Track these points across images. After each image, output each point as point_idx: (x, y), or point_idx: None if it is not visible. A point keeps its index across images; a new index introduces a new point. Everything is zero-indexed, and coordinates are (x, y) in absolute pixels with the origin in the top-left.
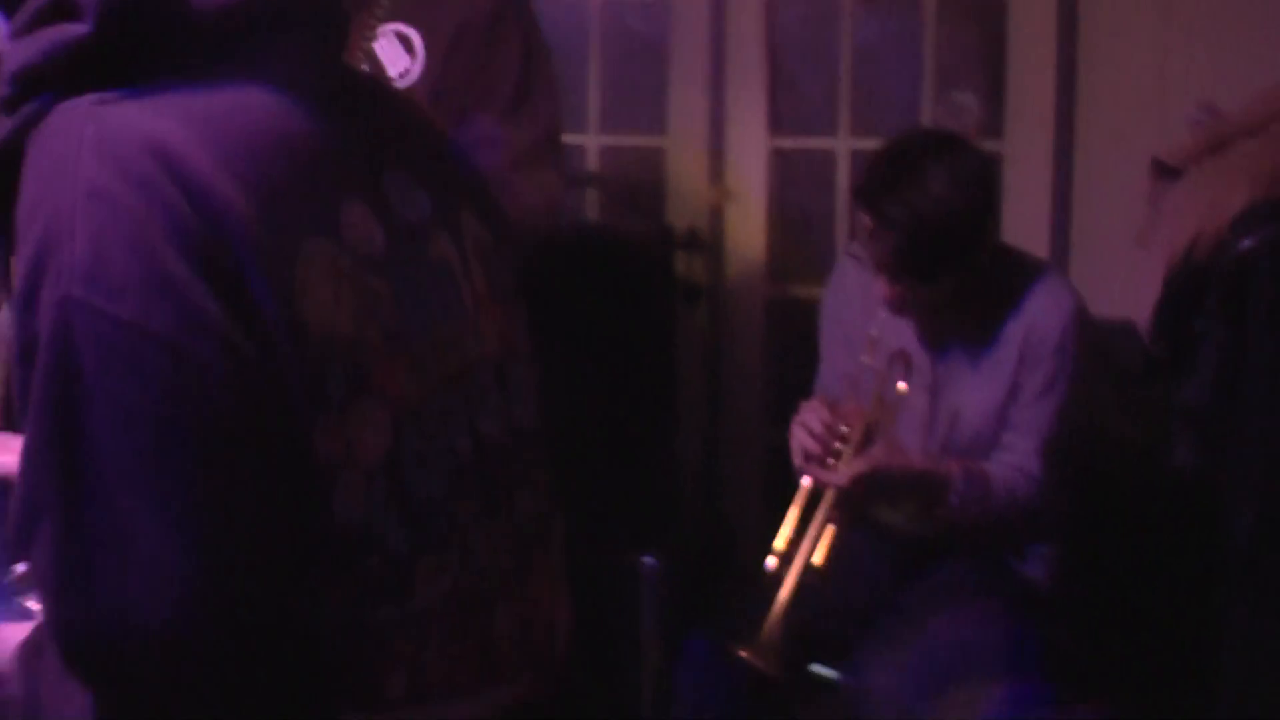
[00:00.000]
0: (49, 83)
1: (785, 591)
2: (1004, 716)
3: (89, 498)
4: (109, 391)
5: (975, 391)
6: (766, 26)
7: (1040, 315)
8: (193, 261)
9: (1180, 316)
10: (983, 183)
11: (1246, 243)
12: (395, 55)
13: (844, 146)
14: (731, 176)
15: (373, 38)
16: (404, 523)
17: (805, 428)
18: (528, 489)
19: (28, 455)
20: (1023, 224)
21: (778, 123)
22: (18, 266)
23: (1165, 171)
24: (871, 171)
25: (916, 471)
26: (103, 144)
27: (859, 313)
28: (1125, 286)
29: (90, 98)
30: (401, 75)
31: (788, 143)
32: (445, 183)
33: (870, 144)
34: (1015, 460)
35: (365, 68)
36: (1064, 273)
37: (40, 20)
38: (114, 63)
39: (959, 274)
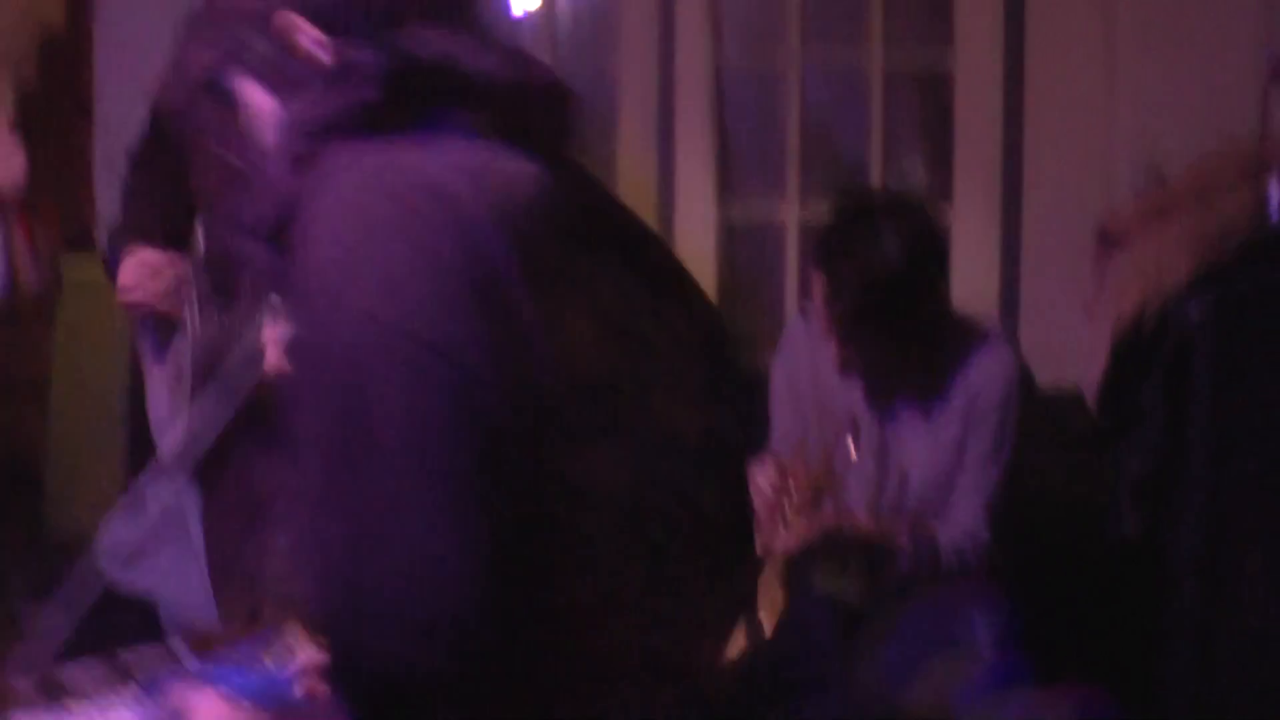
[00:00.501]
0: (329, 134)
1: (730, 660)
2: (982, 690)
3: (372, 495)
4: (403, 406)
5: (922, 453)
6: (714, 95)
7: (984, 378)
8: (470, 290)
9: (1126, 385)
10: (934, 243)
11: (1191, 312)
12: None
13: (793, 215)
14: (681, 246)
15: None
16: (628, 553)
17: (753, 490)
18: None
19: (308, 458)
20: (971, 289)
21: (727, 191)
22: (306, 293)
23: (1111, 240)
24: (826, 230)
25: (864, 535)
26: (389, 183)
27: (807, 375)
28: (1073, 353)
29: (369, 144)
30: None
31: (737, 211)
32: (655, 268)
33: (819, 211)
34: (963, 522)
35: None
36: (1008, 337)
37: (325, 82)
38: (389, 116)
39: (909, 334)
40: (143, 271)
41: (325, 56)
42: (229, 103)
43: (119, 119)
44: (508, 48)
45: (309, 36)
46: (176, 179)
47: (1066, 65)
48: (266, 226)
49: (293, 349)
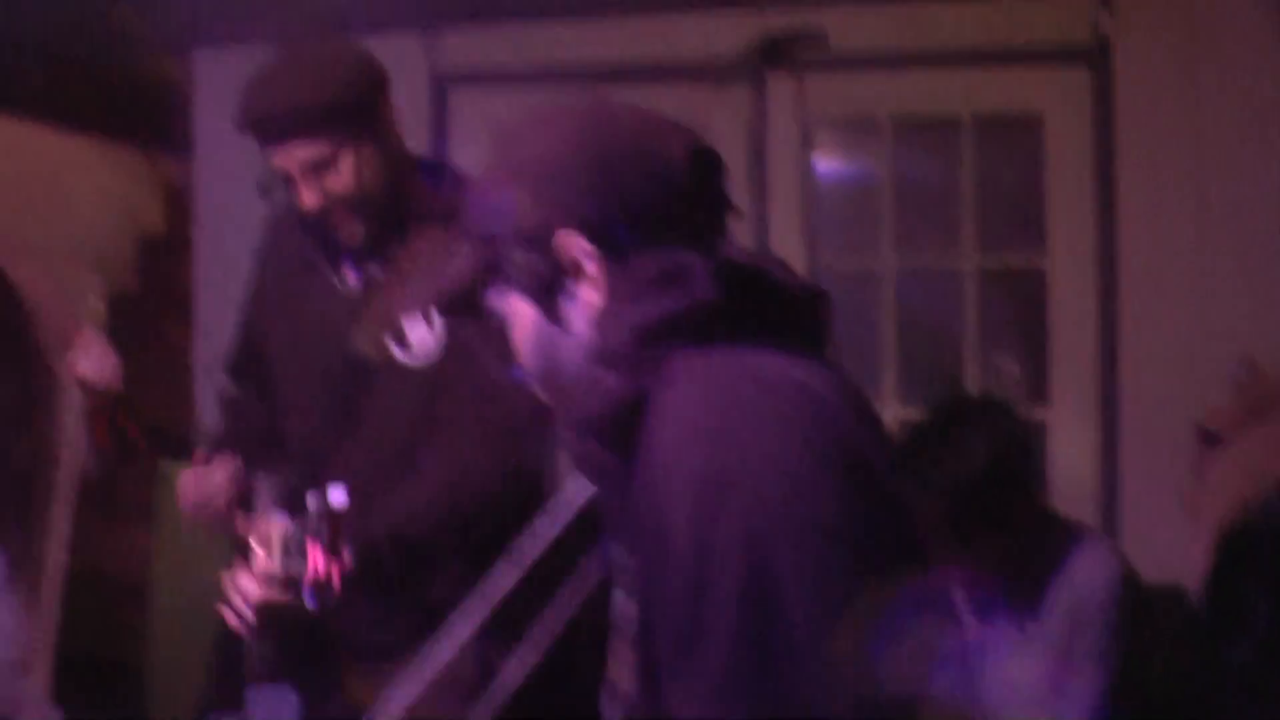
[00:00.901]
0: (671, 337)
1: None
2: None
3: (782, 679)
4: (807, 587)
5: (1022, 658)
6: None
7: (1086, 578)
8: (846, 474)
9: (1230, 580)
10: (1022, 446)
11: None
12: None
13: (891, 415)
14: None
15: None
16: None
17: None
18: None
19: (708, 653)
20: (1070, 488)
21: None
22: (675, 497)
23: (1209, 437)
24: (911, 437)
25: None
26: (757, 377)
27: None
28: (1174, 548)
29: (716, 349)
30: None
31: None
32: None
33: (913, 411)
34: None
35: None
36: (1107, 536)
37: (651, 285)
38: (730, 322)
39: (1002, 538)
40: (201, 487)
41: (593, 269)
42: (487, 313)
43: (217, 325)
44: (774, 256)
45: (582, 249)
46: (265, 390)
47: (1160, 261)
48: (601, 427)
49: (673, 549)
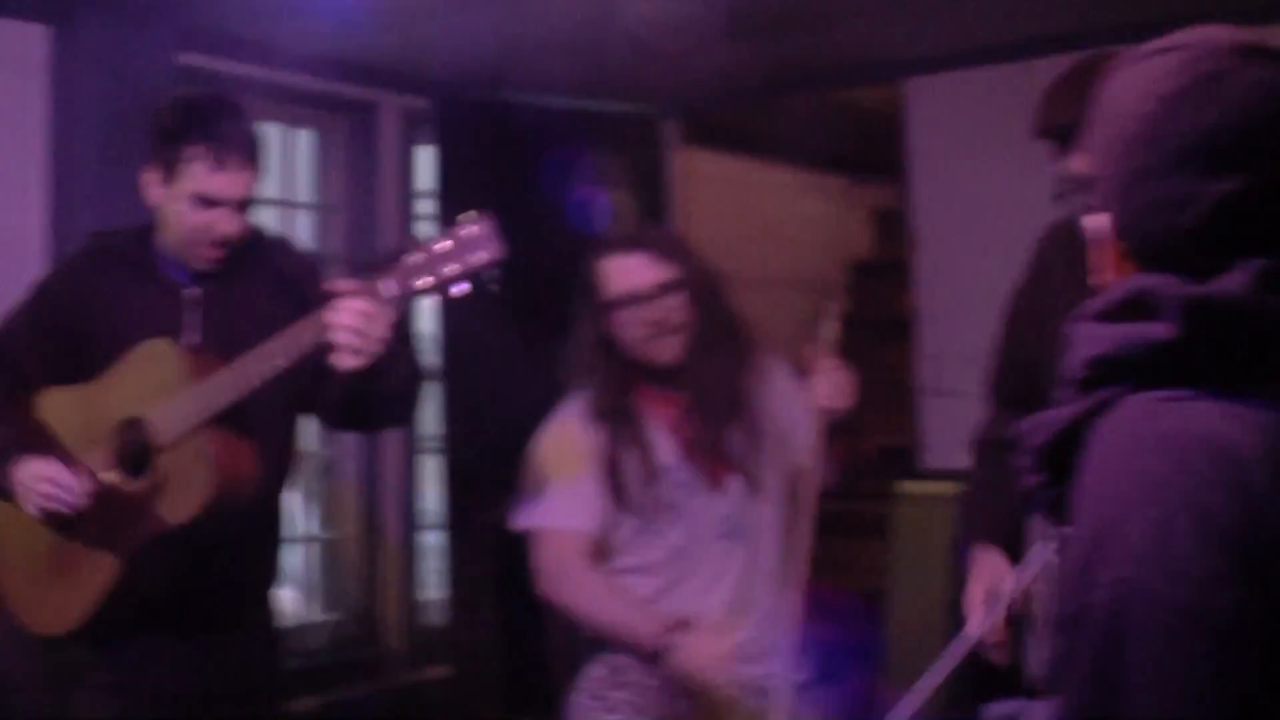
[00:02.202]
0: (1121, 374)
1: None
2: None
3: None
4: (1157, 671)
5: None
6: None
7: None
8: (1238, 560)
9: None
10: None
11: None
12: None
13: None
14: None
15: None
16: None
17: None
18: None
19: (1066, 713)
20: None
21: None
22: (1074, 542)
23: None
24: None
25: None
26: (1167, 439)
27: None
28: None
29: (1159, 394)
30: None
31: None
32: None
33: None
34: None
35: None
36: None
37: (1120, 312)
38: (1189, 364)
39: None
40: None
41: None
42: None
43: (938, 347)
44: None
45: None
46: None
47: None
48: (1040, 452)
49: (1060, 608)
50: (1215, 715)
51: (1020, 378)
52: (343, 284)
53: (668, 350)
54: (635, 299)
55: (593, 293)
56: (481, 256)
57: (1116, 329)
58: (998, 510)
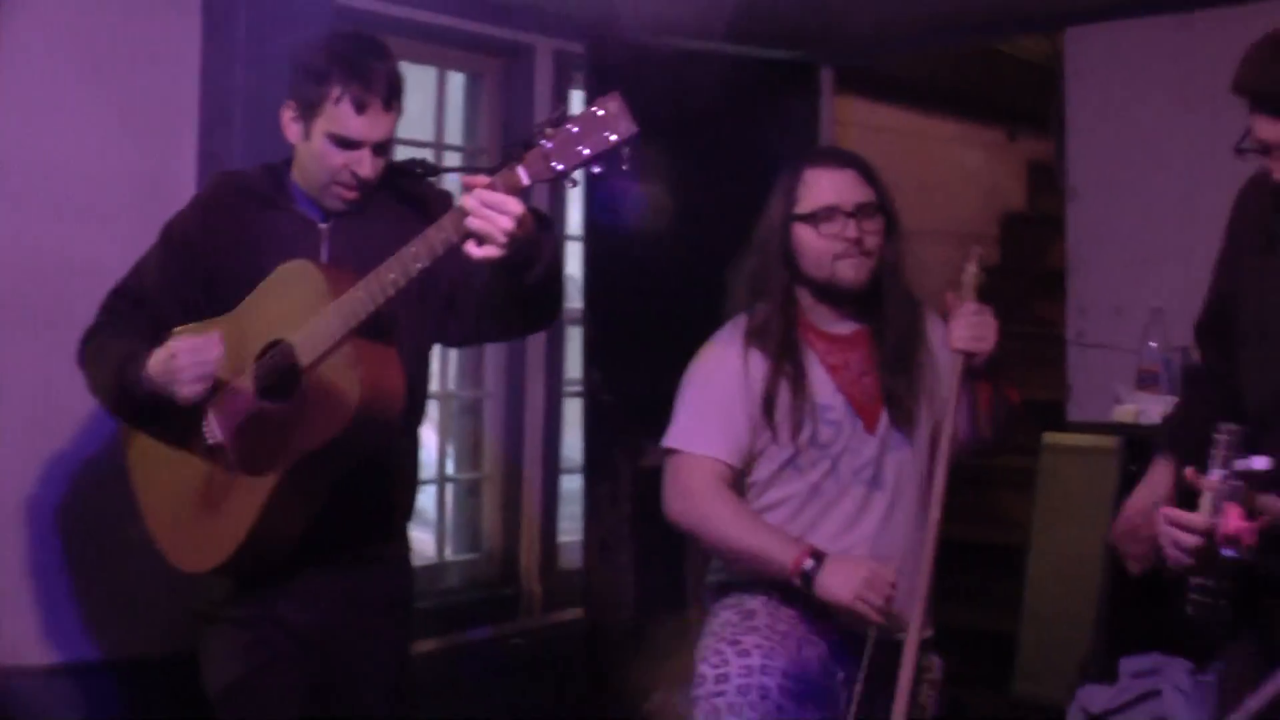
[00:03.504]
0: None
1: None
2: None
3: None
4: None
5: None
6: None
7: None
8: None
9: None
10: None
11: None
12: None
13: None
14: None
15: None
16: None
17: None
18: None
19: None
20: None
21: None
22: None
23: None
24: None
25: None
26: None
27: None
28: None
29: None
30: None
31: None
32: None
33: None
34: None
35: None
36: None
37: None
38: None
39: None
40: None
41: None
42: None
43: (1090, 300)
44: None
45: None
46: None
47: None
48: None
49: None
50: None
51: (1219, 319)
52: (477, 176)
53: (859, 271)
54: (839, 212)
55: (788, 202)
56: (614, 136)
57: None
58: (1188, 431)
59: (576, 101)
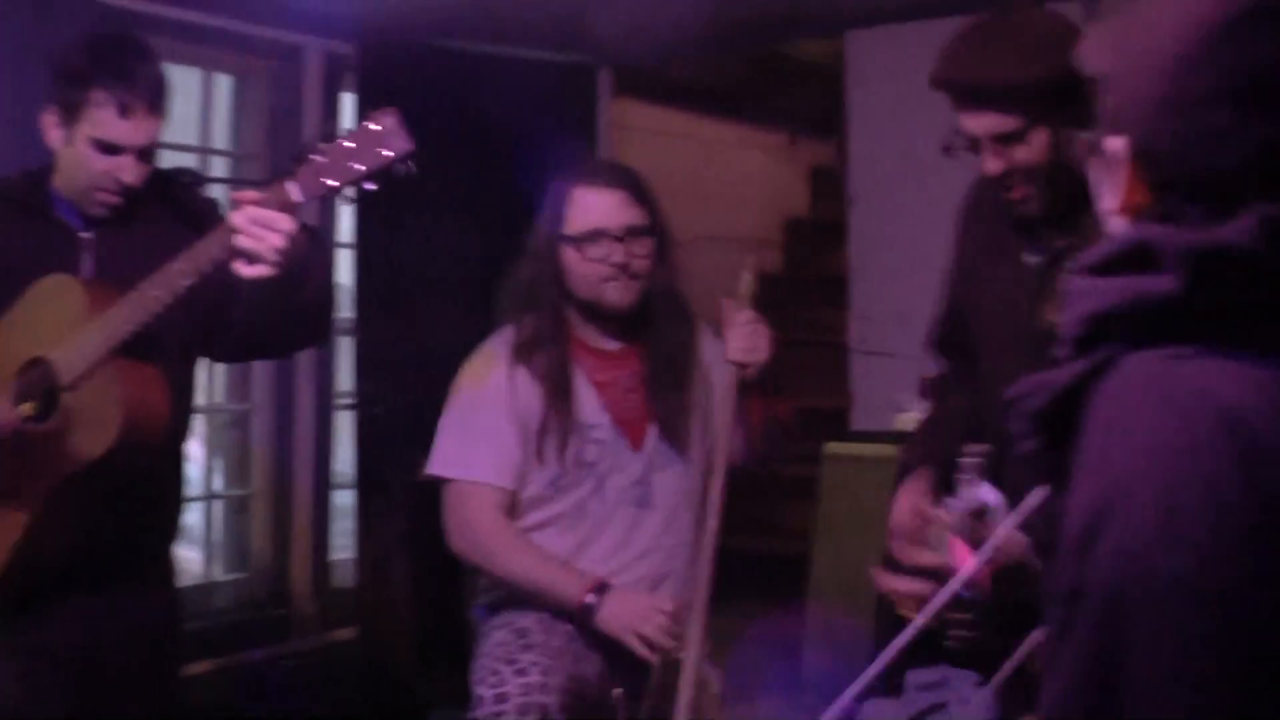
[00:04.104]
0: (1121, 331)
1: None
2: None
3: None
4: (1159, 648)
5: None
6: None
7: None
8: (1251, 530)
9: None
10: None
11: None
12: None
13: None
14: None
15: None
16: None
17: None
18: None
19: (1062, 695)
20: None
21: None
22: (1072, 512)
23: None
24: None
25: None
26: (1168, 401)
27: None
28: None
29: (1162, 352)
30: None
31: None
32: None
33: None
34: None
35: None
36: None
37: (1118, 264)
38: (1192, 320)
39: None
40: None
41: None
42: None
43: (870, 307)
44: None
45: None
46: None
47: None
48: (1038, 416)
49: (1057, 581)
50: (1220, 694)
51: (954, 328)
52: (246, 192)
53: (624, 295)
54: (606, 236)
55: (556, 221)
56: (388, 152)
57: (1114, 283)
58: (936, 443)
59: (348, 104)
